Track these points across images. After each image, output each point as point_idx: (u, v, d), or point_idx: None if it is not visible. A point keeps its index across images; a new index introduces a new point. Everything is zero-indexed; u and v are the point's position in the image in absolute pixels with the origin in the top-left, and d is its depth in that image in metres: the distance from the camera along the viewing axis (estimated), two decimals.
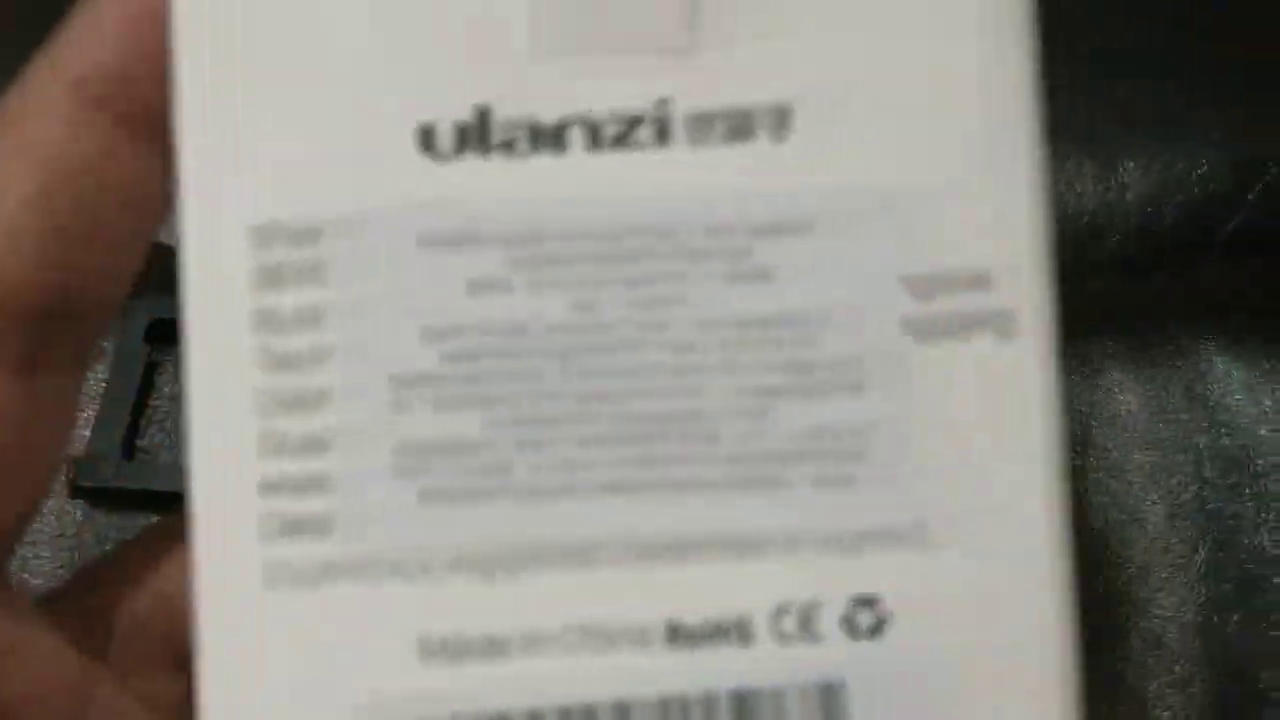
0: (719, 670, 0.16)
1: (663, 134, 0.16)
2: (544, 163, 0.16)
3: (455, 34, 0.16)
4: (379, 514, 0.16)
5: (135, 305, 0.37)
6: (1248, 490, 0.37)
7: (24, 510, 0.17)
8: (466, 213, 0.16)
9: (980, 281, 0.16)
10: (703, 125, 0.16)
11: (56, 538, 0.36)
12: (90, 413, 0.37)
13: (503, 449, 0.16)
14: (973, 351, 0.16)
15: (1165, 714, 0.35)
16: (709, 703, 0.16)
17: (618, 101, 0.16)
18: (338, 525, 0.16)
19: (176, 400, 0.38)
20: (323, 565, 0.16)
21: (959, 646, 0.16)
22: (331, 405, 0.16)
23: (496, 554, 0.16)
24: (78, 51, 0.16)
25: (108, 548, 0.36)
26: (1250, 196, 0.40)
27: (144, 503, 0.37)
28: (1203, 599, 0.36)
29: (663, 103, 0.16)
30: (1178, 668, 0.36)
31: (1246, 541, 0.37)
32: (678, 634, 0.16)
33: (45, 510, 0.37)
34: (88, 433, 0.37)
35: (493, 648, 0.16)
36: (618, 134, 0.16)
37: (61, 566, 0.36)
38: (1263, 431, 0.37)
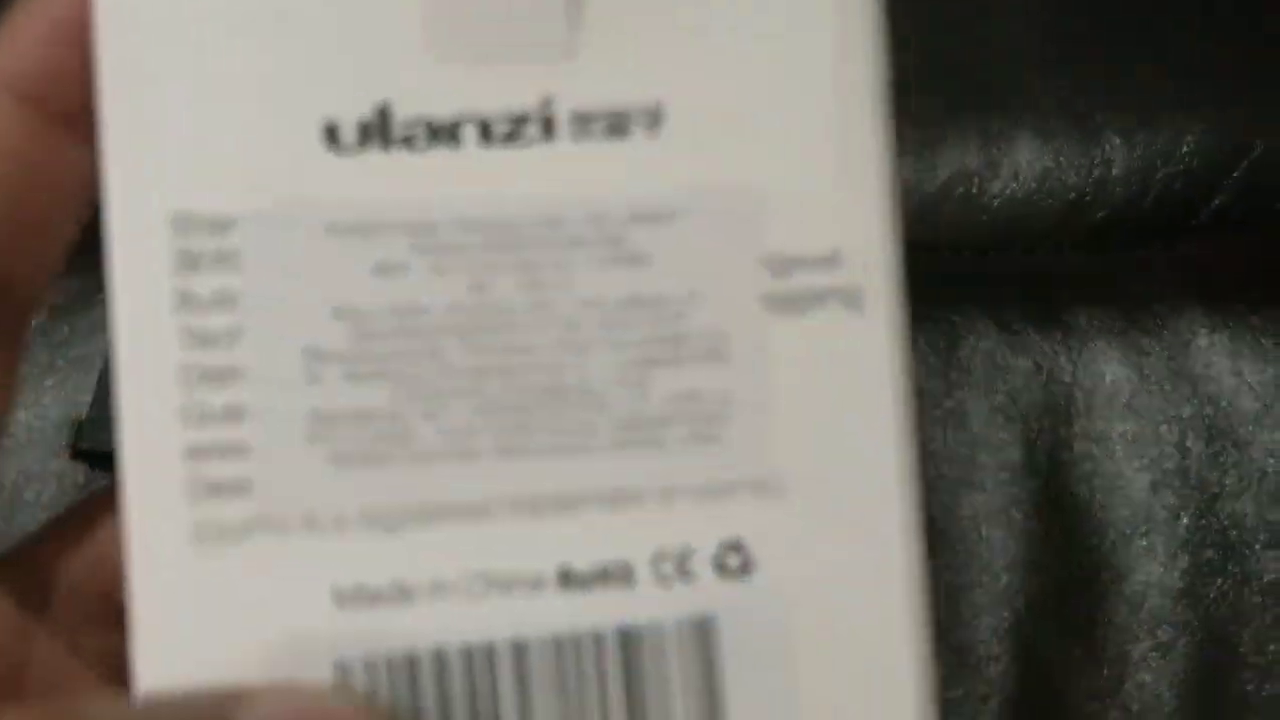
0: (606, 610, 0.18)
1: (548, 131, 0.18)
2: (440, 157, 0.18)
3: (358, 37, 0.18)
4: (294, 476, 0.17)
5: None
6: (1230, 460, 0.37)
7: None
8: (371, 204, 0.18)
9: (831, 261, 0.18)
10: (584, 123, 0.18)
11: (58, 499, 0.37)
12: (90, 378, 0.38)
13: (407, 417, 0.18)
14: (824, 323, 0.18)
15: (1148, 676, 0.36)
16: (598, 639, 0.18)
17: (507, 101, 0.18)
18: (256, 486, 0.17)
19: None
20: (244, 523, 0.17)
21: (817, 582, 0.18)
22: (248, 379, 0.17)
23: (402, 510, 0.17)
24: (10, 53, 0.18)
25: None
26: (1235, 173, 0.40)
27: None
28: (1185, 565, 0.37)
29: (547, 102, 0.18)
30: (1160, 632, 0.36)
31: (1228, 510, 0.37)
32: (569, 579, 0.18)
33: (46, 473, 0.37)
34: (89, 398, 0.38)
35: (401, 595, 0.17)
36: (507, 131, 0.18)
37: None
38: (1245, 403, 0.38)
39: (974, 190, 0.41)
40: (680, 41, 0.18)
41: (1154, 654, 0.36)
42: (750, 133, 0.18)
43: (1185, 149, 0.40)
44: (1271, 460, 0.37)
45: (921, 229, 0.41)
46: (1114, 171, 0.40)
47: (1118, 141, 0.40)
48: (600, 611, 0.18)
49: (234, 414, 0.17)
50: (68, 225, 0.19)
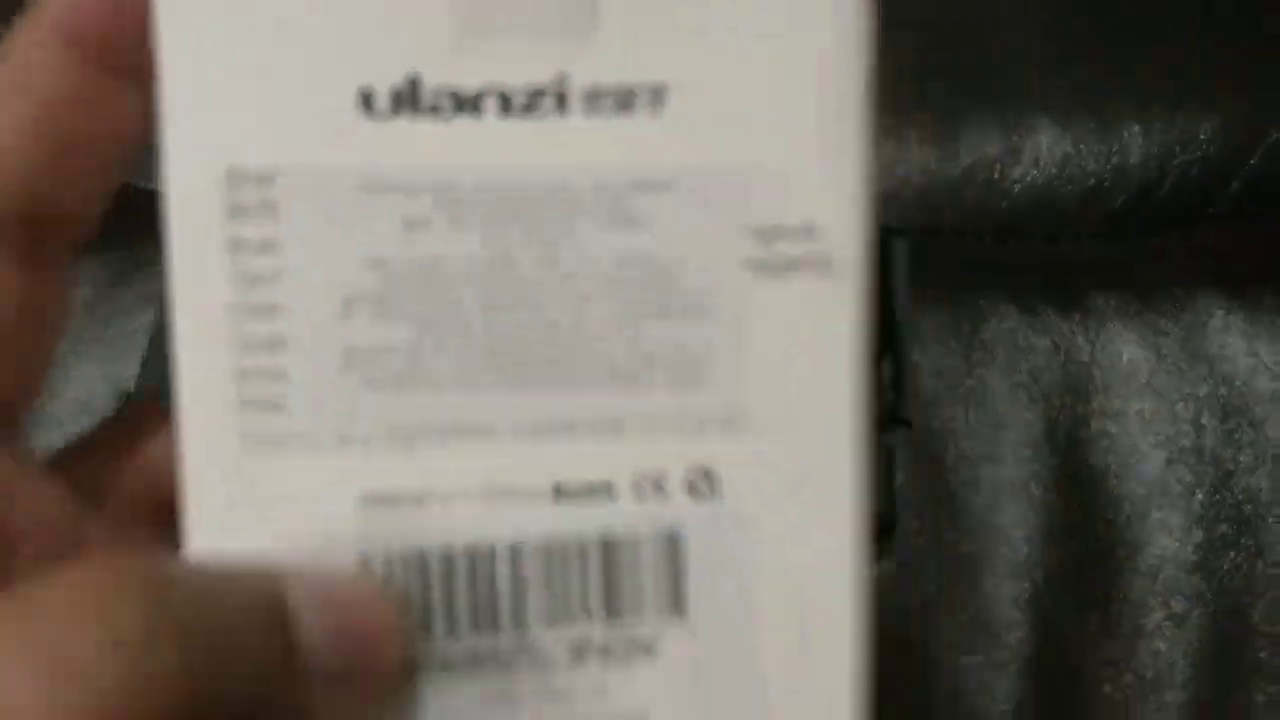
0: (591, 521, 0.20)
1: (562, 104, 0.20)
2: (464, 125, 0.20)
3: (393, 13, 0.19)
4: (327, 396, 0.20)
5: None
6: (1245, 438, 0.38)
7: (26, 383, 0.20)
8: (400, 165, 0.20)
9: (808, 232, 0.20)
10: (595, 99, 0.20)
11: None
12: (136, 353, 0.39)
13: (426, 350, 0.20)
14: (800, 286, 0.20)
15: (1162, 645, 0.37)
16: (582, 546, 0.20)
17: (526, 76, 0.20)
18: (296, 406, 0.20)
19: None
20: (283, 435, 0.20)
21: (774, 507, 0.20)
22: (288, 314, 0.20)
23: (420, 429, 0.20)
24: (58, 3, 0.19)
25: None
26: (1252, 161, 0.41)
27: None
28: (1199, 539, 0.38)
29: (562, 79, 0.20)
30: (1174, 603, 0.37)
31: (1242, 485, 0.38)
32: (561, 493, 0.20)
33: None
34: (135, 372, 0.39)
35: (415, 501, 0.20)
36: (525, 104, 0.20)
37: None
38: (1260, 383, 0.39)
39: (995, 176, 0.42)
40: (686, 30, 0.20)
41: (1168, 624, 0.37)
42: (744, 116, 0.20)
43: (1202, 137, 0.41)
44: None
45: (944, 214, 0.42)
46: (1132, 159, 0.41)
47: (1136, 129, 0.41)
48: (586, 522, 0.20)
49: (276, 343, 0.20)
50: (114, 162, 0.20)
